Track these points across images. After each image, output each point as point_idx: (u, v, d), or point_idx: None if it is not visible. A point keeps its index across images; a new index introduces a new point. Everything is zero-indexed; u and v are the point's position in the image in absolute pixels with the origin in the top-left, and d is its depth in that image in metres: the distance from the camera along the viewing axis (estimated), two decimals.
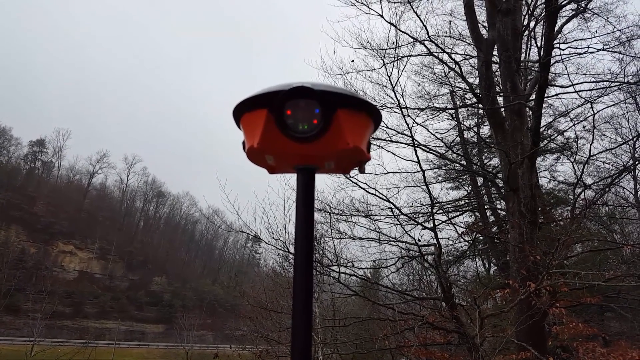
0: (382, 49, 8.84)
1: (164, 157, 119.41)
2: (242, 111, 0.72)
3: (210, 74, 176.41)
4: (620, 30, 9.35)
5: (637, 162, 14.73)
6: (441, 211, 14.08)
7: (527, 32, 10.70)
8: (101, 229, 64.83)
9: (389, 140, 8.64)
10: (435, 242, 7.07)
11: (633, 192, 16.99)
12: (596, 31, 9.76)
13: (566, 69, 10.67)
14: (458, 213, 15.33)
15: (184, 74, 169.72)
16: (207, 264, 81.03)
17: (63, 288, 52.21)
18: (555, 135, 14.66)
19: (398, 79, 10.60)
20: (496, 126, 8.53)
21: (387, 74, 7.91)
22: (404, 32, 8.96)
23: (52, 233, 58.81)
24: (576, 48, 10.17)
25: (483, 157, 16.76)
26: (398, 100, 7.92)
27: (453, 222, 12.38)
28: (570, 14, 9.98)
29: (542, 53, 7.75)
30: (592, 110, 8.22)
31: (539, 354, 5.75)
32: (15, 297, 39.76)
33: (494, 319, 6.88)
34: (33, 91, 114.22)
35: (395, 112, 8.80)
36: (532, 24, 10.76)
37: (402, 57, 8.74)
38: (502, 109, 8.57)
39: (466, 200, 15.82)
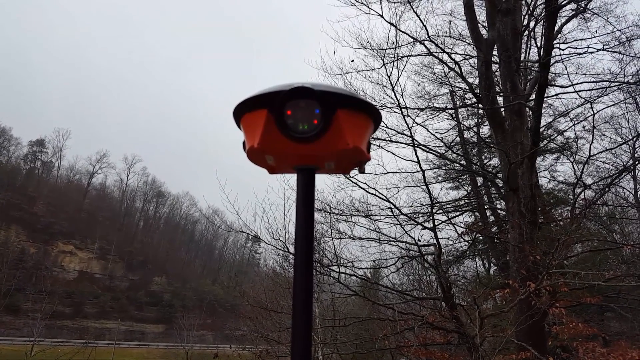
0: (382, 49, 8.86)
1: (164, 157, 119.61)
2: (243, 111, 0.72)
3: (210, 74, 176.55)
4: (620, 30, 9.35)
5: (636, 162, 14.73)
6: (441, 211, 14.10)
7: (527, 32, 10.70)
8: (101, 229, 64.82)
9: (388, 140, 8.65)
10: (435, 242, 7.07)
11: (633, 192, 17.01)
12: (596, 31, 9.77)
13: (566, 69, 10.70)
14: (458, 213, 15.34)
15: (184, 74, 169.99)
16: (207, 264, 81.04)
17: (63, 288, 52.21)
18: (555, 135, 14.66)
19: (398, 79, 10.62)
20: (496, 126, 8.53)
21: (387, 74, 7.93)
22: (404, 32, 8.97)
23: (52, 233, 58.81)
24: (576, 48, 10.18)
25: (483, 157, 16.76)
26: (398, 100, 7.93)
27: (453, 222, 12.39)
28: (570, 14, 9.99)
29: (542, 53, 7.75)
30: (592, 110, 8.23)
31: (538, 353, 5.76)
32: (15, 297, 39.75)
33: (494, 319, 6.88)
34: (33, 91, 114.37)
35: (395, 112, 8.81)
36: (532, 24, 10.78)
37: (402, 57, 8.75)
38: (502, 109, 8.57)
39: (466, 200, 15.82)
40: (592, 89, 9.72)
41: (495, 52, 9.11)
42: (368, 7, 9.03)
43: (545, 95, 8.62)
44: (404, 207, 10.00)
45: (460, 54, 11.17)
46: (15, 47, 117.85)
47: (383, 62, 8.20)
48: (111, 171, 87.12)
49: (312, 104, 0.66)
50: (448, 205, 15.27)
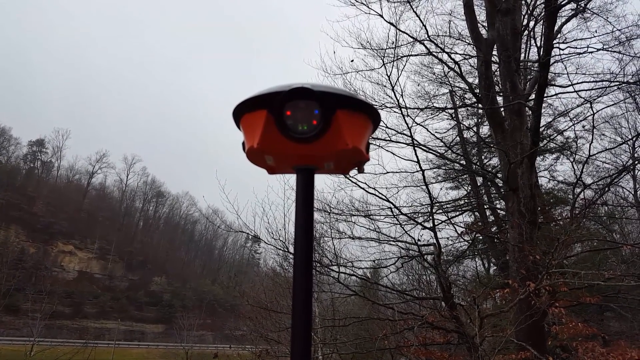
0: (382, 49, 8.85)
1: (163, 157, 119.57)
2: (242, 112, 0.72)
3: (210, 74, 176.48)
4: (619, 30, 9.36)
5: (636, 162, 14.74)
6: (441, 211, 14.10)
7: (526, 32, 10.70)
8: (101, 229, 64.81)
9: (388, 140, 8.65)
10: (435, 241, 7.07)
11: (632, 192, 17.01)
12: (596, 31, 9.79)
13: (566, 68, 10.70)
14: (457, 213, 15.34)
15: (184, 74, 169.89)
16: (206, 264, 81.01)
17: (63, 288, 52.22)
18: (555, 135, 14.65)
19: (397, 79, 10.65)
20: (496, 126, 8.53)
21: (387, 74, 7.92)
22: (404, 32, 8.97)
23: (52, 233, 58.81)
24: (576, 48, 10.20)
25: (483, 157, 16.76)
26: (397, 100, 7.93)
27: (452, 222, 12.37)
28: (570, 14, 9.99)
29: (541, 53, 7.75)
30: (592, 110, 8.22)
31: (538, 353, 5.76)
32: (14, 297, 39.73)
33: (494, 318, 6.88)
34: (33, 91, 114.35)
35: (394, 111, 8.81)
36: (531, 23, 10.77)
37: (402, 57, 8.76)
38: (502, 109, 8.58)
39: (466, 200, 15.81)
40: (592, 89, 9.73)
41: (495, 52, 9.11)
42: (368, 7, 9.03)
43: (545, 95, 8.63)
44: (403, 207, 10.02)
45: (460, 54, 11.18)
46: (15, 47, 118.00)
47: (383, 62, 8.21)
48: (111, 171, 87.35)
49: (312, 104, 0.67)
50: (448, 205, 15.27)
